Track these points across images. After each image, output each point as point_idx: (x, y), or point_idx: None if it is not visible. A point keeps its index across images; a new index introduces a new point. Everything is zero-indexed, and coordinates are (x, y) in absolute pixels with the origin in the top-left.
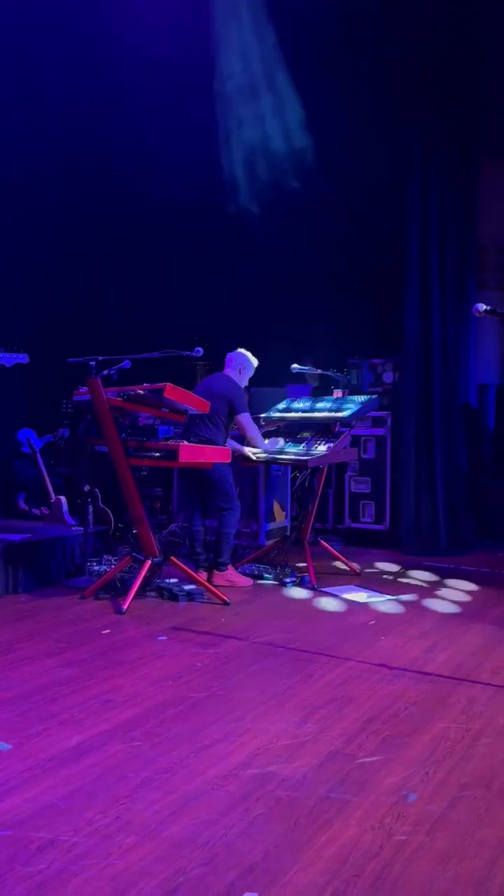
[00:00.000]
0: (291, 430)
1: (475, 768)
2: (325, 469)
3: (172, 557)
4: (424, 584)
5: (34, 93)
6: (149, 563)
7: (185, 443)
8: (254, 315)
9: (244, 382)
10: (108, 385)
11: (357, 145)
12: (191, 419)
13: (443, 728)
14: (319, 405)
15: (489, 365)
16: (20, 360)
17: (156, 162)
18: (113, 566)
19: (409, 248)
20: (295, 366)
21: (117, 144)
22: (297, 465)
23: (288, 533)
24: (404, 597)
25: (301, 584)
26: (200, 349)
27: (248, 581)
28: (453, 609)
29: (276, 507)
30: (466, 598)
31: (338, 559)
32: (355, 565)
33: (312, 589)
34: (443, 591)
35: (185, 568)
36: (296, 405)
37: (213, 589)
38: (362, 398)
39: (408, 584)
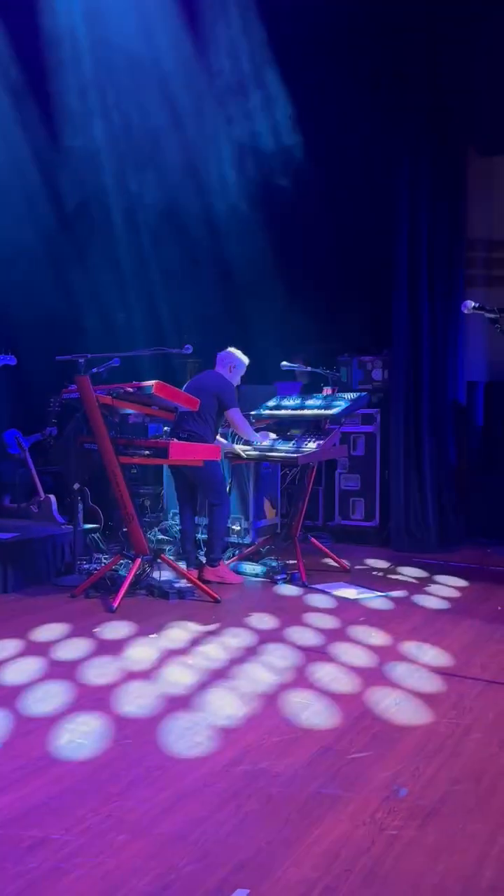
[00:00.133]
0: (281, 428)
1: (465, 763)
2: (315, 466)
3: (163, 555)
4: (414, 581)
5: (20, 91)
6: (139, 560)
7: (175, 440)
8: (243, 312)
9: (236, 380)
10: (97, 383)
11: (346, 143)
12: (180, 415)
13: (433, 723)
14: (309, 402)
15: (477, 362)
16: (8, 362)
17: (142, 157)
18: (103, 564)
19: (398, 246)
20: (285, 363)
21: (105, 140)
22: (287, 463)
23: (278, 530)
24: (394, 593)
25: (291, 581)
26: (190, 346)
27: (239, 578)
28: (443, 605)
29: (267, 504)
30: (456, 594)
31: (328, 556)
32: (345, 562)
33: (303, 586)
34: (432, 588)
35: (176, 565)
36: (285, 402)
37: (203, 586)
38: (352, 395)
39: (397, 580)
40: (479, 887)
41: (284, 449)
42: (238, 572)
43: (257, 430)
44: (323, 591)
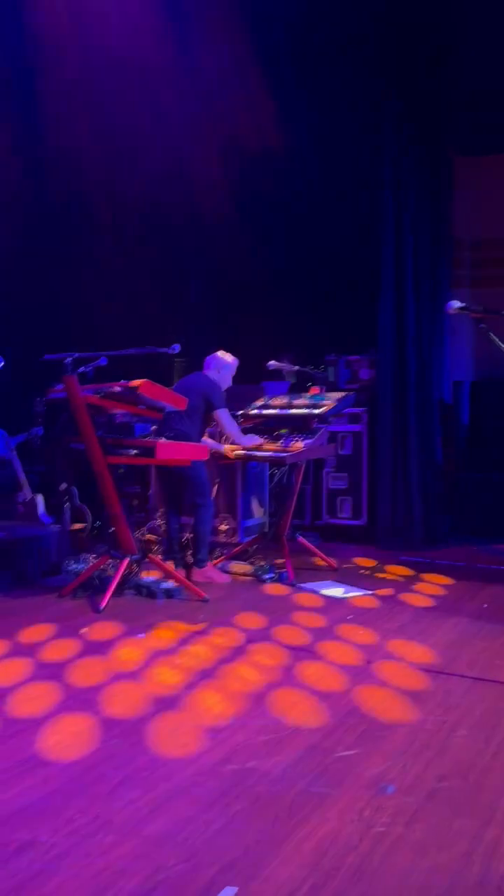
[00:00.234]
0: (269, 427)
1: (452, 760)
2: (303, 465)
3: (150, 555)
4: (401, 579)
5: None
6: (127, 560)
7: (163, 440)
8: (230, 312)
9: (226, 382)
10: (84, 382)
11: (331, 144)
12: (167, 415)
13: (420, 720)
14: (297, 402)
15: (463, 361)
16: None
17: (127, 159)
18: (90, 564)
19: (384, 246)
20: (272, 362)
21: (88, 141)
22: (274, 462)
23: (266, 529)
24: (381, 591)
25: (279, 580)
26: (177, 346)
27: (226, 578)
28: (429, 603)
29: (255, 503)
30: (442, 591)
31: (316, 555)
32: (333, 561)
33: (290, 585)
34: (419, 586)
35: (164, 565)
36: (273, 402)
37: (191, 586)
38: (339, 395)
39: (384, 578)
40: (467, 883)
41: (272, 448)
42: (226, 572)
43: (245, 431)
44: (311, 590)
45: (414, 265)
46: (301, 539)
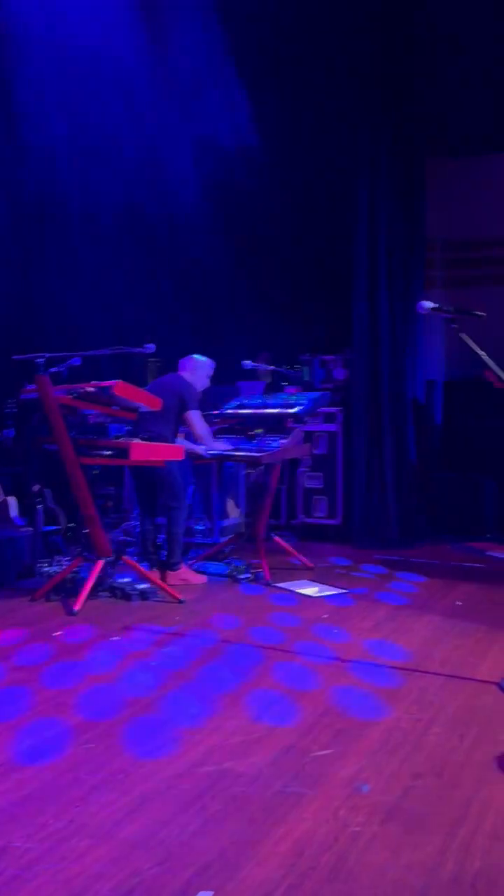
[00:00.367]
0: (244, 427)
1: (427, 757)
2: (279, 465)
3: (125, 556)
4: (376, 577)
5: None
6: (101, 562)
7: (137, 440)
8: (205, 312)
9: (200, 383)
10: (57, 382)
11: (305, 144)
12: (141, 416)
13: (395, 719)
14: (271, 401)
15: (436, 361)
16: None
17: (101, 157)
18: (64, 567)
19: (358, 246)
20: (247, 362)
21: (61, 140)
22: (250, 462)
23: (242, 529)
24: (356, 590)
25: (255, 580)
26: (152, 346)
27: (202, 578)
28: (404, 601)
29: (230, 503)
30: (416, 589)
31: (291, 554)
32: (308, 560)
33: (266, 585)
34: (393, 584)
35: (138, 567)
36: (248, 402)
37: (166, 587)
38: (314, 394)
39: (360, 577)
40: (441, 880)
41: (247, 448)
42: (201, 572)
43: (221, 431)
44: (286, 590)
45: (387, 266)
46: (277, 539)
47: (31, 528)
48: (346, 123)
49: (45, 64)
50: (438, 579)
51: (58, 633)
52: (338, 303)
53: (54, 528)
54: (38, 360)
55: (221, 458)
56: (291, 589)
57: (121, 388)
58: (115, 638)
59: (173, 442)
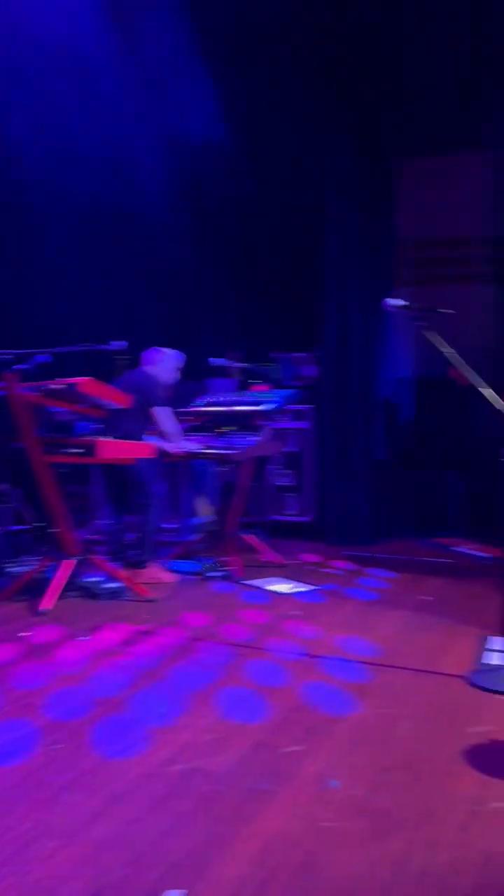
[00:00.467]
0: (214, 424)
1: (395, 752)
2: (249, 463)
3: (94, 555)
4: (346, 574)
5: None
6: (69, 562)
7: (104, 438)
8: (175, 309)
9: (167, 375)
10: (25, 380)
11: (274, 142)
12: (111, 414)
13: (364, 714)
14: (242, 399)
15: (405, 359)
16: None
17: (67, 152)
18: (32, 566)
19: (328, 244)
20: (217, 359)
21: (26, 134)
22: (220, 460)
23: (212, 527)
24: (327, 586)
25: (226, 577)
26: (120, 343)
27: (173, 577)
28: (373, 597)
29: (200, 501)
30: (385, 585)
31: (262, 552)
32: (279, 557)
33: (237, 582)
34: (363, 580)
35: (107, 565)
36: (218, 399)
37: (136, 585)
38: (284, 392)
39: (330, 574)
40: (409, 873)
41: (218, 446)
42: (172, 571)
43: (191, 428)
44: (257, 587)
45: (357, 264)
46: (247, 536)
47: None
48: (313, 121)
49: (6, 57)
50: (407, 575)
51: (25, 633)
52: (308, 300)
53: (21, 527)
54: (5, 356)
55: (191, 456)
56: (262, 586)
57: (88, 385)
58: (83, 637)
59: (143, 440)
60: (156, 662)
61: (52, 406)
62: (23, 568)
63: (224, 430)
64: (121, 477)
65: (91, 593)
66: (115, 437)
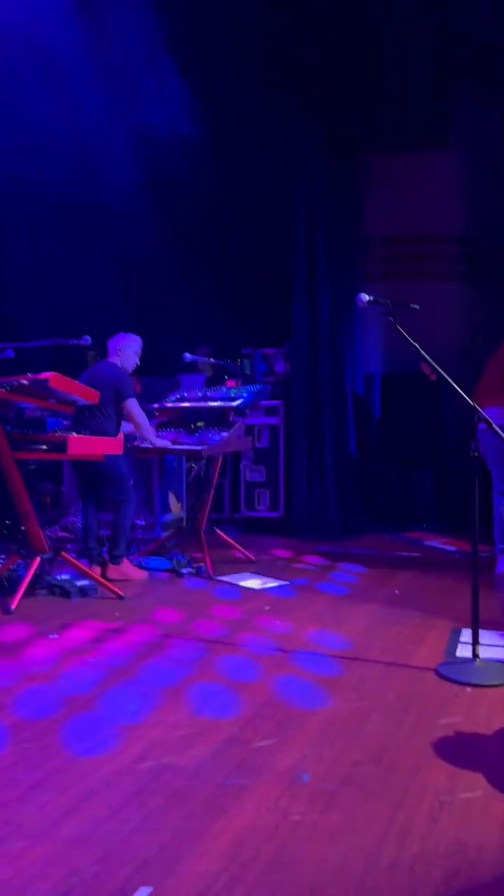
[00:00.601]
0: (185, 420)
1: (366, 745)
2: (220, 458)
3: (63, 553)
4: (317, 569)
5: None
6: (38, 559)
7: (74, 434)
8: (145, 304)
9: (132, 363)
10: None
11: (243, 137)
12: (80, 410)
13: (335, 707)
14: (213, 395)
15: (373, 355)
16: None
17: (35, 146)
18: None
19: (296, 240)
20: (188, 355)
21: None
22: (191, 455)
23: (184, 524)
24: (298, 581)
25: (198, 574)
26: (88, 338)
27: (143, 574)
28: (344, 591)
29: (172, 498)
30: (356, 580)
31: (234, 548)
32: (251, 553)
33: (209, 578)
34: (334, 574)
35: (77, 563)
36: (189, 395)
37: (106, 583)
38: (255, 388)
39: (301, 569)
40: (380, 865)
41: (189, 442)
42: (143, 568)
43: (162, 424)
44: (229, 583)
45: (326, 261)
46: (219, 532)
47: None
48: (282, 116)
49: None
50: (377, 569)
51: None
52: (278, 296)
53: None
54: None
55: (163, 452)
56: (234, 582)
57: (56, 380)
58: (53, 636)
59: (114, 435)
60: (126, 660)
61: (20, 402)
62: None
63: (195, 425)
64: (95, 473)
65: (60, 591)
66: (87, 433)
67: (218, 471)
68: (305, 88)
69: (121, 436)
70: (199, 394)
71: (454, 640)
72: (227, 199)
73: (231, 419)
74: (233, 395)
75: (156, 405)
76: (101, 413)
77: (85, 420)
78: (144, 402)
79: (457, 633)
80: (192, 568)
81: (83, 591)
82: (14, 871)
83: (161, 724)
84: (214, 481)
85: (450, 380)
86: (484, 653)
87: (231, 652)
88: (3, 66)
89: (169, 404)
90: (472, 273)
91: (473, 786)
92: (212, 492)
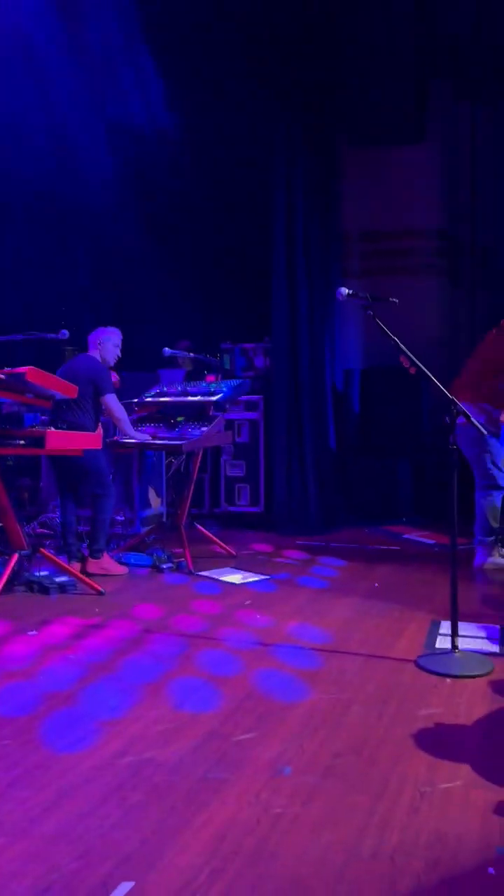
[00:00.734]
0: (165, 415)
1: (346, 737)
2: (200, 453)
3: (42, 549)
4: (298, 563)
5: None
6: (16, 556)
7: (53, 429)
8: (124, 299)
9: (112, 357)
10: None
11: (222, 132)
12: (58, 405)
13: (315, 700)
14: (193, 389)
15: (353, 350)
16: None
17: (11, 139)
18: None
19: (276, 236)
20: (167, 350)
21: None
22: (171, 450)
23: (164, 519)
24: (279, 576)
25: (178, 569)
26: (66, 332)
27: (123, 569)
28: (325, 585)
29: (152, 493)
30: (336, 573)
31: (214, 543)
32: (231, 548)
33: (189, 573)
34: (315, 568)
35: (56, 559)
36: (168, 390)
37: (86, 579)
38: (234, 382)
39: (282, 563)
40: (361, 856)
41: (168, 436)
42: (123, 563)
43: (141, 419)
44: (209, 578)
45: (305, 255)
46: (199, 527)
47: None
48: (260, 111)
49: None
50: (357, 563)
51: None
52: (258, 290)
53: None
54: None
55: (142, 447)
56: (214, 577)
57: (33, 374)
58: (32, 632)
59: (93, 429)
60: (106, 656)
61: None
62: None
63: (175, 420)
64: (74, 468)
65: (39, 588)
66: (61, 429)
67: (198, 466)
68: (283, 84)
69: (100, 430)
70: (179, 388)
71: (433, 632)
72: (205, 194)
73: (211, 414)
74: (213, 389)
75: (135, 400)
76: (79, 408)
77: (63, 415)
78: (124, 396)
79: (436, 625)
80: (173, 563)
81: (62, 588)
82: None
83: (141, 719)
84: (194, 476)
85: (428, 373)
86: (463, 644)
87: (212, 646)
88: None
89: (148, 399)
90: (450, 267)
91: (453, 776)
92: (192, 487)
